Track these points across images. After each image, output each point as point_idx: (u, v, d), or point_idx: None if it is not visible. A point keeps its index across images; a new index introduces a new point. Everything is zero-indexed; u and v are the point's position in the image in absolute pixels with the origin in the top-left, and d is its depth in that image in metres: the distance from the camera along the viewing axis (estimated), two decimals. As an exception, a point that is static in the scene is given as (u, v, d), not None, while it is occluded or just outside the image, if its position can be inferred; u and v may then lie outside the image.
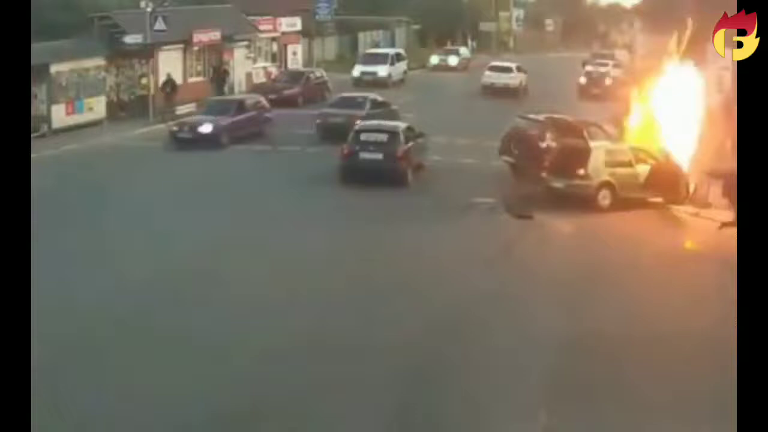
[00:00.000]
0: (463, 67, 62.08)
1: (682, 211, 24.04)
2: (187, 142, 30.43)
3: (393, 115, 32.40)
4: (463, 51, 68.57)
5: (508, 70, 49.93)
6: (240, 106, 32.89)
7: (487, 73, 49.63)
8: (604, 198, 23.88)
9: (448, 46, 70.19)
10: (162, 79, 38.22)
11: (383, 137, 26.11)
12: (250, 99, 34.77)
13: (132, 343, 13.94)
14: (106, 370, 12.91)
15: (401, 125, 27.75)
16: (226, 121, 31.37)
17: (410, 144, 26.39)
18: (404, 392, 12.53)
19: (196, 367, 13.14)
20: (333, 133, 29.82)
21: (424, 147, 27.75)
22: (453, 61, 63.46)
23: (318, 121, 32.45)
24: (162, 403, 12.00)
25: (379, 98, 34.81)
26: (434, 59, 63.82)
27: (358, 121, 28.29)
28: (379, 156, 25.49)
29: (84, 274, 17.24)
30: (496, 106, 40.36)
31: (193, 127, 31.10)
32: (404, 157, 25.72)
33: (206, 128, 30.76)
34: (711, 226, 22.25)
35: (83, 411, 11.64)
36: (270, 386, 12.57)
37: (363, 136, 26.16)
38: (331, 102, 36.31)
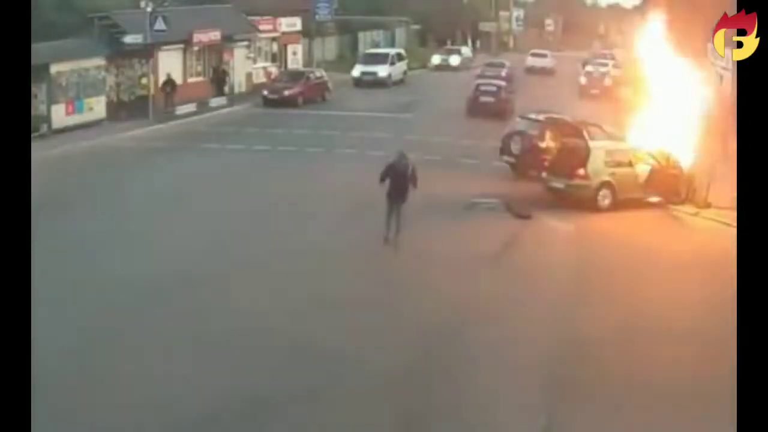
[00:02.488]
0: (465, 67, 62.17)
1: (682, 211, 24.03)
2: None
3: (514, 76, 51.37)
4: (465, 51, 68.86)
5: (544, 56, 67.09)
6: None
7: (529, 58, 66.24)
8: (604, 198, 23.87)
9: (449, 46, 70.30)
10: (162, 79, 38.28)
11: (494, 88, 41.07)
12: None
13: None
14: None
15: (504, 83, 42.86)
16: None
17: (510, 95, 40.82)
18: (403, 393, 12.51)
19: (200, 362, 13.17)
20: None
21: (514, 100, 40.04)
22: (455, 60, 63.64)
23: (478, 72, 50.75)
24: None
25: (508, 63, 56.14)
26: (436, 59, 63.99)
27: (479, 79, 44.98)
28: (491, 99, 39.75)
29: (82, 274, 17.25)
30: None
31: None
32: (505, 101, 39.46)
33: None
34: (711, 226, 22.26)
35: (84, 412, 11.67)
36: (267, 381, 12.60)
37: (482, 87, 41.32)
38: (485, 63, 57.18)
